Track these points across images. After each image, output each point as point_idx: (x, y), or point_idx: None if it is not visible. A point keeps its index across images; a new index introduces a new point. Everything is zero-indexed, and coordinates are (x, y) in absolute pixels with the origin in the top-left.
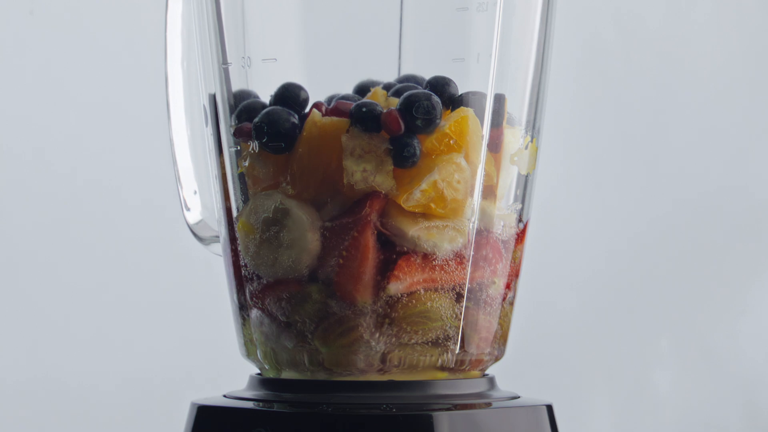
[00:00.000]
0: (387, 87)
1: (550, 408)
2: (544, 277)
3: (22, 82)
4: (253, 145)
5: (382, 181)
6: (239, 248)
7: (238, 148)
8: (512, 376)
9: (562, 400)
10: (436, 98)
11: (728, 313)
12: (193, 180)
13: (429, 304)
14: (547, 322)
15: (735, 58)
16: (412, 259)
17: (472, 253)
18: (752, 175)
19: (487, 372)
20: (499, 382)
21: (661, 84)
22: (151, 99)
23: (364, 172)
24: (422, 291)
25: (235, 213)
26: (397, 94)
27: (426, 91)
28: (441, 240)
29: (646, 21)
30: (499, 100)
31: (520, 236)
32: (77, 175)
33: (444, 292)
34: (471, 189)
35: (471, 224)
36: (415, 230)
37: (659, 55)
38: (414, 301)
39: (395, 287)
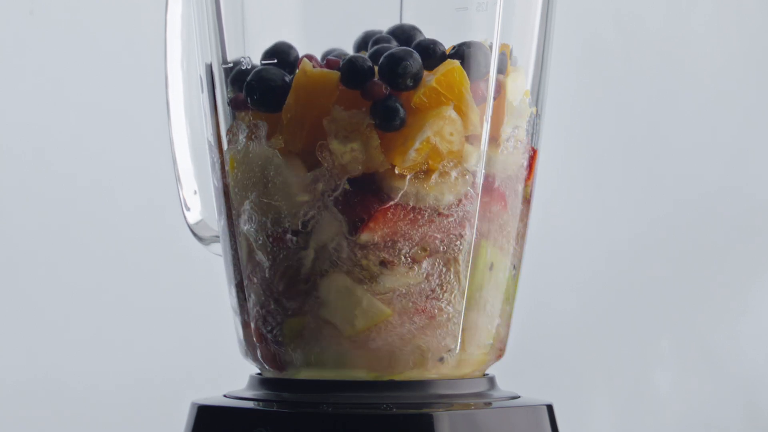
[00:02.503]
0: (376, 41)
1: (550, 408)
2: (545, 278)
3: (22, 82)
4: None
5: (372, 157)
6: (229, 182)
7: (233, 115)
8: (512, 376)
9: (562, 400)
10: (416, 55)
11: (728, 314)
12: (193, 180)
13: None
14: (548, 322)
15: (735, 59)
16: (391, 212)
17: (478, 200)
18: (752, 176)
19: (487, 372)
20: (499, 382)
21: (661, 85)
22: (151, 99)
23: (352, 152)
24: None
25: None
26: (374, 56)
27: (406, 48)
28: (442, 192)
29: (647, 22)
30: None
31: (529, 171)
32: (77, 175)
33: (450, 240)
34: (469, 138)
35: (475, 171)
36: (413, 187)
37: (659, 56)
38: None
39: (367, 237)
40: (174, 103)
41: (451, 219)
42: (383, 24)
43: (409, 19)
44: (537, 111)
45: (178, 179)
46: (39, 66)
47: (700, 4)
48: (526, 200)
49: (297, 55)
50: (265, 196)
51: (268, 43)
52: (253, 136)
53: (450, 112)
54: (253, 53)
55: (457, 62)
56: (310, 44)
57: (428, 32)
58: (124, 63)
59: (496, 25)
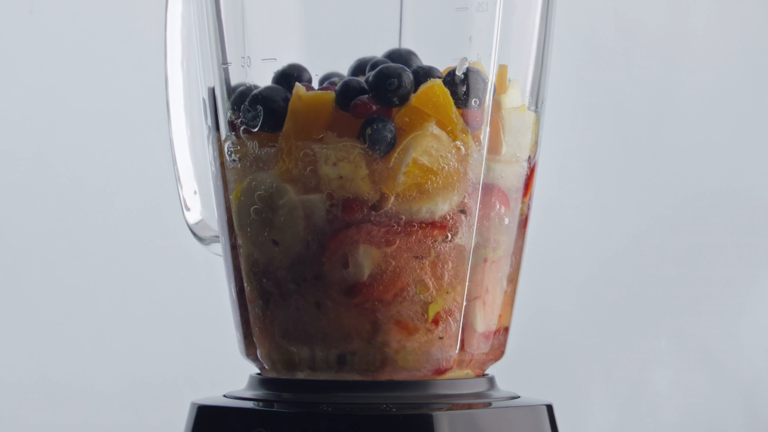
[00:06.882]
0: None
1: (550, 408)
2: (545, 278)
3: (22, 83)
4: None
5: (360, 186)
6: (236, 228)
7: (233, 137)
8: (512, 376)
9: (562, 400)
10: (408, 71)
11: (728, 314)
12: (193, 180)
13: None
14: (548, 323)
15: (735, 59)
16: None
17: (478, 204)
18: (752, 176)
19: (487, 372)
20: (499, 382)
21: (661, 84)
22: (151, 99)
23: (340, 179)
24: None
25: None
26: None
27: (398, 65)
28: (436, 202)
29: (647, 22)
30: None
31: (527, 184)
32: (77, 176)
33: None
34: (461, 151)
35: (472, 178)
36: (412, 204)
37: (659, 56)
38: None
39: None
40: (174, 103)
41: (448, 222)
42: (383, 24)
43: (409, 19)
44: (537, 113)
45: (178, 179)
46: (39, 66)
47: (700, 4)
48: (527, 202)
49: (310, 77)
50: (267, 222)
51: (268, 43)
52: (254, 159)
53: (433, 129)
54: (253, 53)
55: (438, 80)
56: (310, 45)
57: (428, 33)
58: (124, 63)
59: (496, 26)
